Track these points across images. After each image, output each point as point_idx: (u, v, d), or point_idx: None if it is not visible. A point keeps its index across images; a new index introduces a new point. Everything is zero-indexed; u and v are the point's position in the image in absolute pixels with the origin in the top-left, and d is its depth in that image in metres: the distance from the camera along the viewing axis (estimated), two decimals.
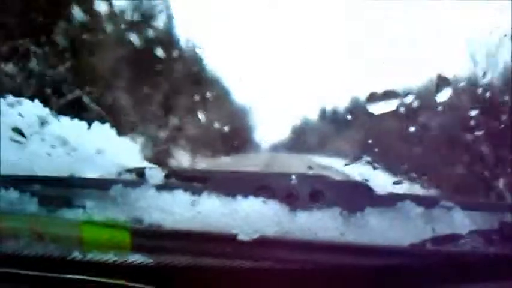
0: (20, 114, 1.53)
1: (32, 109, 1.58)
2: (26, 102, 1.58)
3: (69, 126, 1.65)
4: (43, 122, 1.54)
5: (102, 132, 1.71)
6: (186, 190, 1.09)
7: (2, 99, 1.56)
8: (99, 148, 1.55)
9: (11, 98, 1.58)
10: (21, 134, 1.47)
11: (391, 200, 1.09)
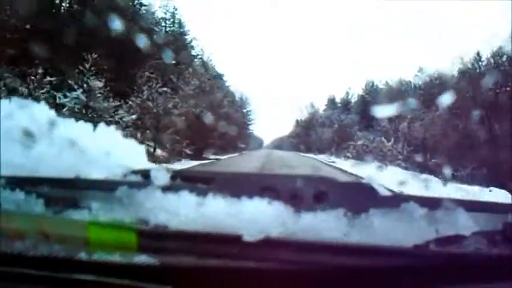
0: (29, 116, 1.54)
1: (39, 111, 1.59)
2: (33, 104, 1.59)
3: (74, 128, 1.66)
4: (51, 124, 1.54)
5: (108, 134, 1.71)
6: (191, 191, 1.09)
7: (10, 101, 1.57)
8: (105, 150, 1.55)
9: (19, 100, 1.59)
10: (30, 136, 1.48)
11: (395, 201, 1.10)
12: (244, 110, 68.77)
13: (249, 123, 72.17)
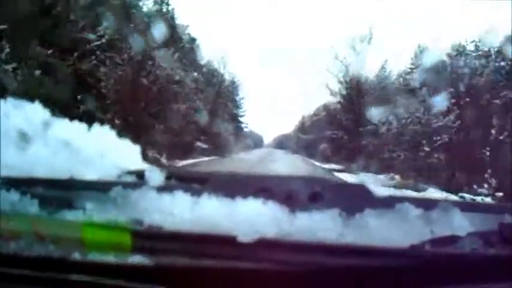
0: (23, 116, 1.54)
1: (33, 111, 1.59)
2: (27, 104, 1.59)
3: (68, 128, 1.65)
4: (45, 124, 1.54)
5: (102, 134, 1.71)
6: (186, 191, 1.09)
7: (4, 101, 1.57)
8: (100, 150, 1.55)
9: (13, 100, 1.58)
10: (24, 136, 1.47)
11: (389, 202, 1.10)
12: (237, 98, 52.29)
13: (241, 114, 54.90)
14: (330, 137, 38.89)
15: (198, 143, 32.53)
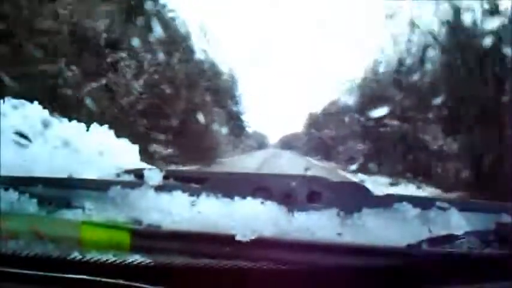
0: (23, 116, 1.54)
1: (33, 111, 1.59)
2: (27, 104, 1.59)
3: (67, 128, 1.65)
4: (44, 124, 1.54)
5: (101, 133, 1.71)
6: (184, 191, 1.10)
7: (3, 101, 1.57)
8: (98, 149, 1.55)
9: (12, 100, 1.58)
10: (24, 136, 1.47)
11: (387, 201, 1.10)
12: (236, 94, 42.89)
13: (241, 112, 44.24)
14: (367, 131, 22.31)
15: (155, 146, 19.05)
